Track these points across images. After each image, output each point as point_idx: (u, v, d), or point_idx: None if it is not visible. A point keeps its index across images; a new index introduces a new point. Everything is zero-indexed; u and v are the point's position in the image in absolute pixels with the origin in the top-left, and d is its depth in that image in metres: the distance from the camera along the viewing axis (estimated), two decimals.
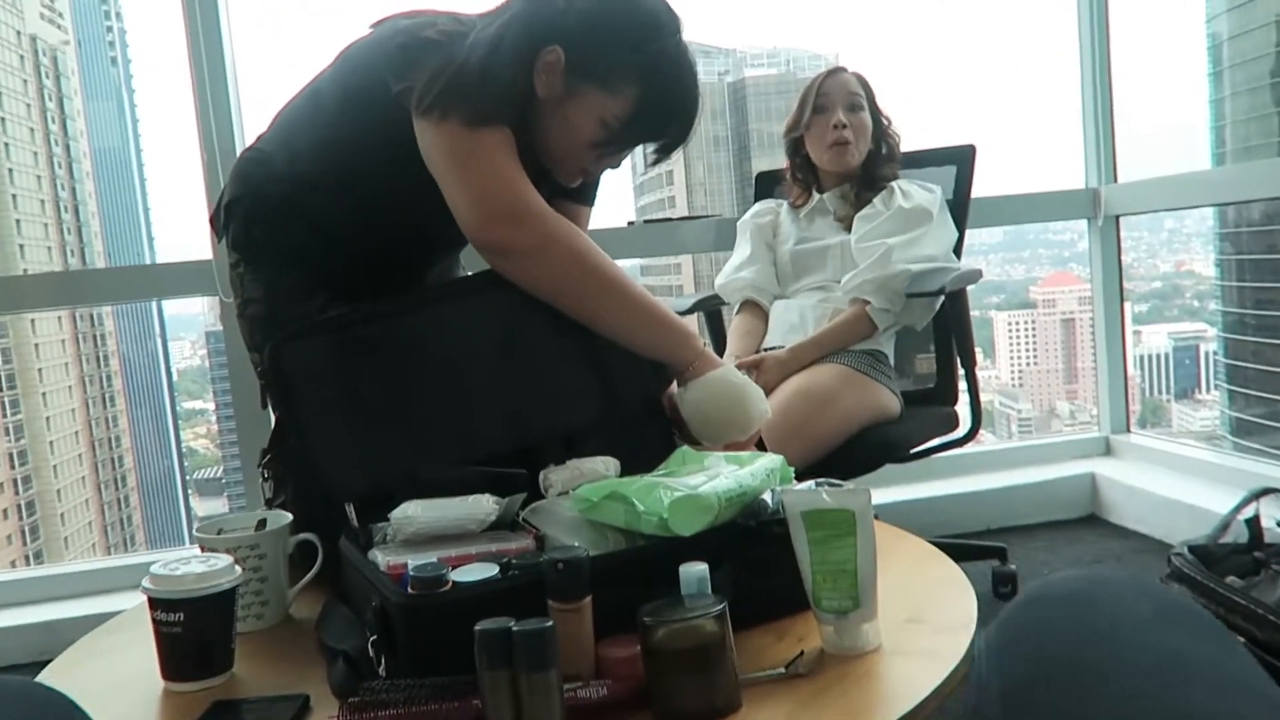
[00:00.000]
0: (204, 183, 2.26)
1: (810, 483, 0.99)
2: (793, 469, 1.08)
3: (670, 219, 2.51)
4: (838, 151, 2.00)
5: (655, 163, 1.39)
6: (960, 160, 2.12)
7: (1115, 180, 2.65)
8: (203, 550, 1.08)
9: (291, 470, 1.26)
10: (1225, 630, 0.54)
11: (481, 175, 1.22)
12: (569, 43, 1.24)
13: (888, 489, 2.42)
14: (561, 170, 1.35)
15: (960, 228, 2.04)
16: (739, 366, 1.81)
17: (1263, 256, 9.73)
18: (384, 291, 1.37)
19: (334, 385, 1.16)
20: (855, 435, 1.81)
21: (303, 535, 1.14)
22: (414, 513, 1.01)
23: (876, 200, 1.98)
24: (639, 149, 1.39)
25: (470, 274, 1.48)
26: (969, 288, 1.90)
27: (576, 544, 0.96)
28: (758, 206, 2.19)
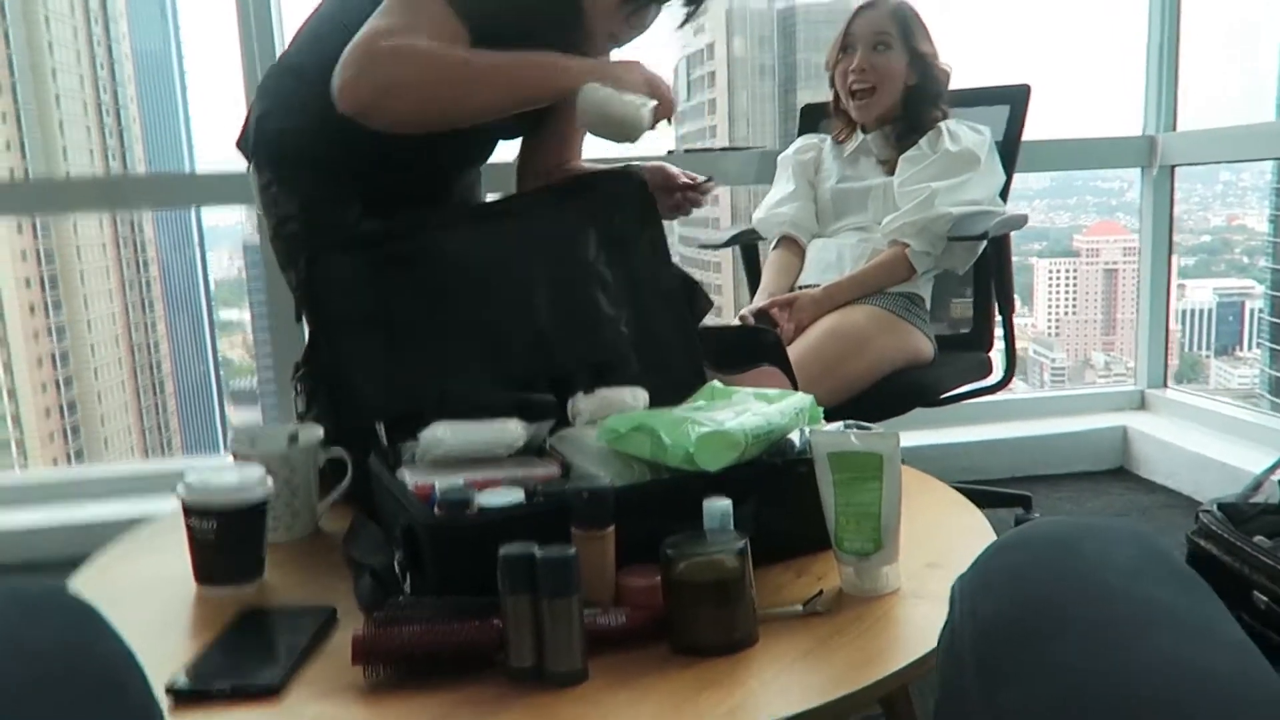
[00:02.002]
0: (244, 91, 2.24)
1: (839, 424, 0.98)
2: (822, 409, 1.07)
3: (710, 149, 2.47)
4: (857, 103, 1.94)
5: (685, 21, 1.43)
6: (1014, 100, 2.05)
7: (1174, 129, 2.56)
8: (236, 460, 1.10)
9: (324, 385, 1.27)
10: (1202, 581, 0.53)
11: (372, 28, 1.24)
12: None
13: (917, 432, 2.41)
14: (589, 35, 1.40)
15: (1009, 172, 1.99)
16: (772, 305, 1.80)
17: None
18: (417, 201, 1.41)
19: (368, 301, 1.17)
20: (886, 377, 1.80)
21: (333, 450, 1.16)
22: (443, 435, 1.02)
23: (923, 142, 1.91)
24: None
25: (507, 195, 1.48)
26: (1026, 223, 1.89)
27: (602, 473, 0.97)
28: (800, 142, 2.13)
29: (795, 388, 1.33)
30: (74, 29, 8.56)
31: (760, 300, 1.88)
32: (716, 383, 1.13)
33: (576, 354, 1.19)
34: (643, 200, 1.27)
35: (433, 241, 1.18)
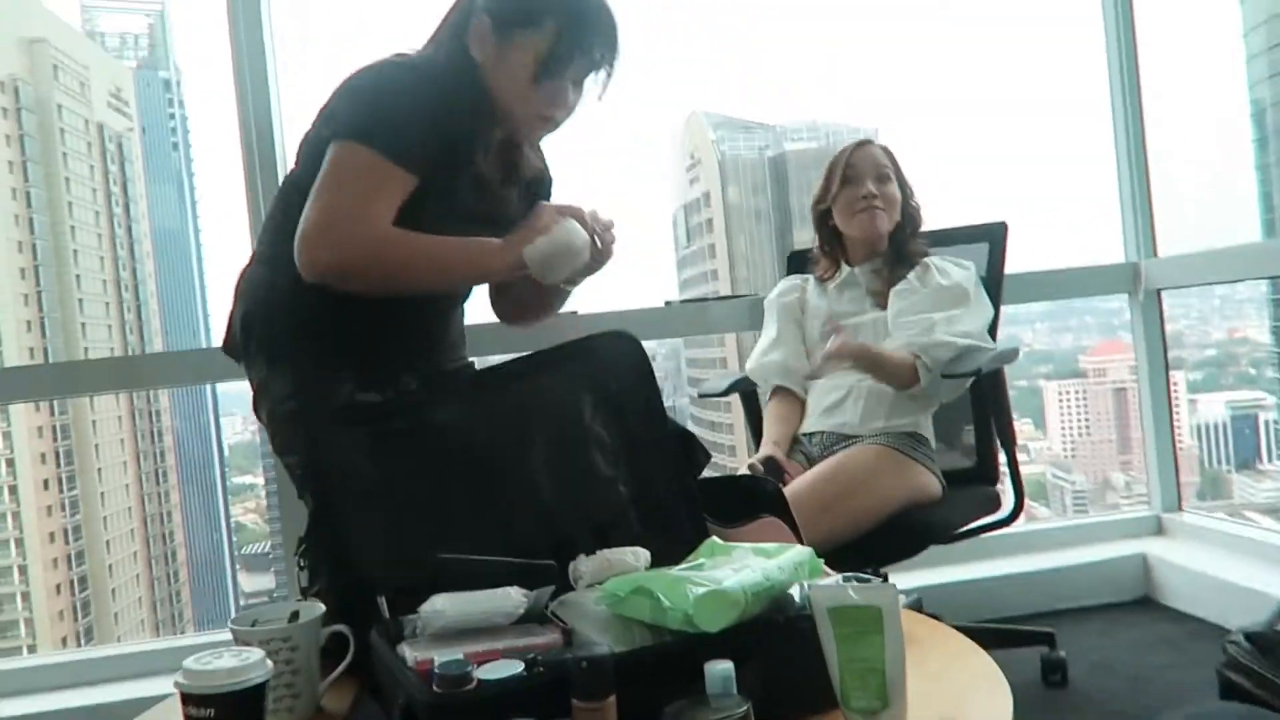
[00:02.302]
0: None
1: (837, 577, 0.98)
2: (822, 560, 1.07)
3: (704, 299, 2.53)
4: (867, 217, 1.99)
5: (602, 94, 1.50)
6: (993, 238, 2.12)
7: (1155, 254, 2.63)
8: (236, 642, 1.09)
9: (326, 559, 1.27)
10: None
11: (327, 202, 1.35)
12: (493, 13, 1.42)
13: (933, 570, 2.37)
14: (524, 125, 1.48)
15: (995, 304, 2.03)
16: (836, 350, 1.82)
17: None
18: (406, 350, 1.49)
19: (368, 477, 1.19)
20: (894, 516, 1.78)
21: (335, 627, 1.15)
22: (442, 607, 1.02)
23: (911, 276, 1.96)
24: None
25: (500, 363, 1.51)
26: (1018, 358, 1.92)
27: (603, 640, 0.96)
28: (783, 285, 2.17)
29: (798, 537, 1.33)
30: (95, 212, 8.94)
31: (766, 449, 1.89)
32: (716, 539, 1.13)
33: (576, 517, 1.20)
34: (637, 359, 1.30)
35: (430, 415, 1.21)
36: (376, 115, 1.37)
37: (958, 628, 2.19)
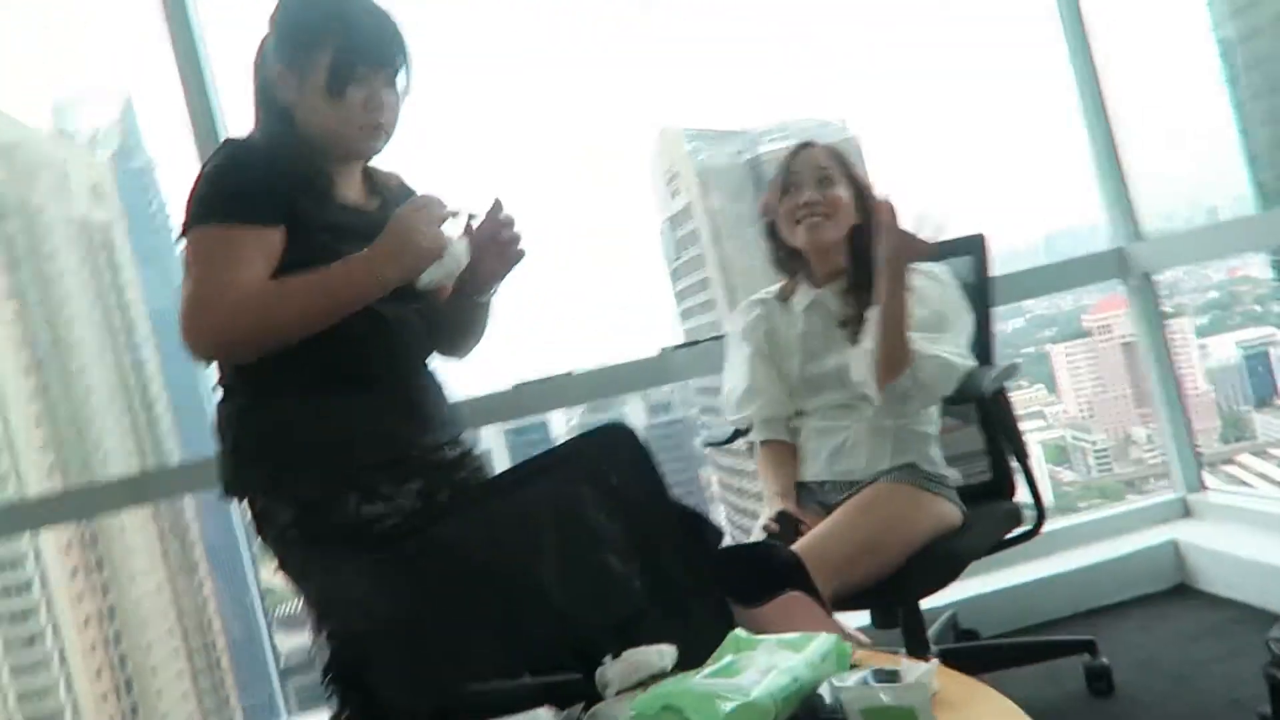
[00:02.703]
0: None
1: (866, 673, 0.96)
2: (849, 646, 1.05)
3: (695, 342, 2.52)
4: (806, 228, 1.86)
5: (408, 88, 1.50)
6: (974, 248, 2.08)
7: (1139, 236, 2.60)
8: None
9: (352, 687, 1.27)
10: None
11: (189, 288, 1.36)
12: (279, 56, 1.46)
13: (963, 582, 2.31)
14: (356, 141, 1.47)
15: (986, 309, 2.00)
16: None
17: None
18: (402, 442, 1.46)
19: (379, 605, 1.18)
20: (921, 550, 1.74)
21: None
22: None
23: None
24: None
25: (499, 473, 1.49)
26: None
27: None
28: (743, 309, 2.02)
29: (822, 603, 1.31)
30: (88, 302, 9.01)
31: (775, 504, 1.81)
32: (740, 631, 1.12)
33: (596, 619, 1.18)
34: (633, 448, 1.29)
35: (434, 535, 1.20)
36: (211, 194, 1.41)
37: (995, 643, 2.20)
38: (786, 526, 1.71)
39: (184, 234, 1.41)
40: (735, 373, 1.99)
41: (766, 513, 1.79)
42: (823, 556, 1.60)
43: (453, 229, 1.43)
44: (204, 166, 1.44)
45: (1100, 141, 2.63)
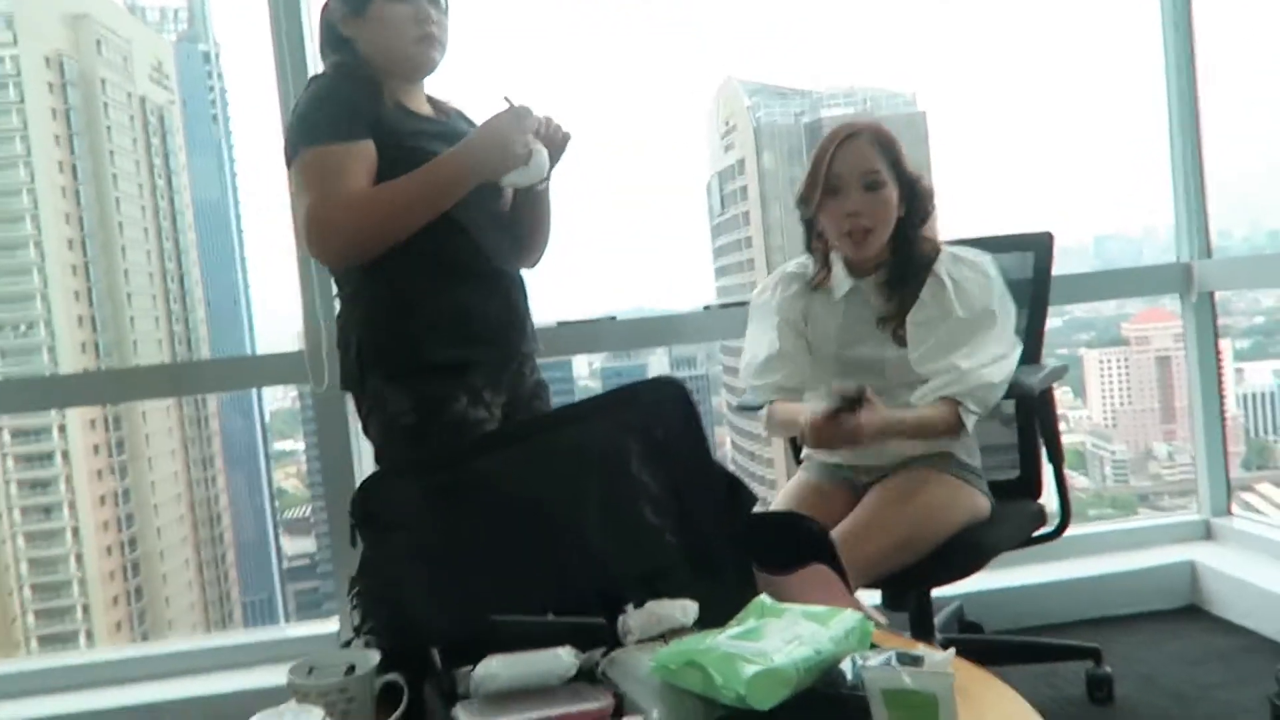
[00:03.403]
0: (299, 277, 2.36)
1: (890, 654, 0.97)
2: (872, 625, 1.07)
3: (742, 302, 2.51)
4: (852, 243, 1.79)
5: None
6: (1037, 247, 2.04)
7: (1209, 253, 2.56)
8: (293, 694, 1.12)
9: (379, 604, 1.30)
10: None
11: (309, 203, 1.54)
12: (339, 4, 1.64)
13: (974, 576, 2.35)
14: (414, 57, 1.64)
15: (1042, 314, 1.99)
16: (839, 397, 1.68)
17: None
18: (499, 353, 1.67)
19: (419, 529, 1.20)
20: (950, 538, 1.74)
21: (389, 676, 1.17)
22: (496, 669, 1.04)
23: (925, 296, 1.77)
24: None
25: (549, 412, 1.54)
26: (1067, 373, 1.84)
27: (653, 708, 0.97)
28: (777, 283, 1.95)
29: (845, 579, 1.32)
30: (139, 185, 9.09)
31: (812, 414, 1.70)
32: (765, 598, 1.13)
33: (625, 569, 1.20)
34: (683, 405, 1.30)
35: (476, 468, 1.22)
36: (308, 122, 1.58)
37: (1002, 640, 2.22)
38: (851, 399, 1.65)
39: (289, 162, 1.60)
40: (759, 340, 1.93)
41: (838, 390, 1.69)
42: (862, 550, 1.61)
43: (537, 142, 1.60)
44: (296, 102, 1.63)
45: (1186, 151, 2.56)
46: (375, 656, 1.19)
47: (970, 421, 1.75)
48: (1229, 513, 2.59)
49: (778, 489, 2.03)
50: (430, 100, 1.74)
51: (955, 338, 1.74)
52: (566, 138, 1.69)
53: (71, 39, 8.20)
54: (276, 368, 2.42)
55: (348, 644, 1.26)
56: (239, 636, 2.56)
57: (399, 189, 1.54)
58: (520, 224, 1.76)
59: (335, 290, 1.73)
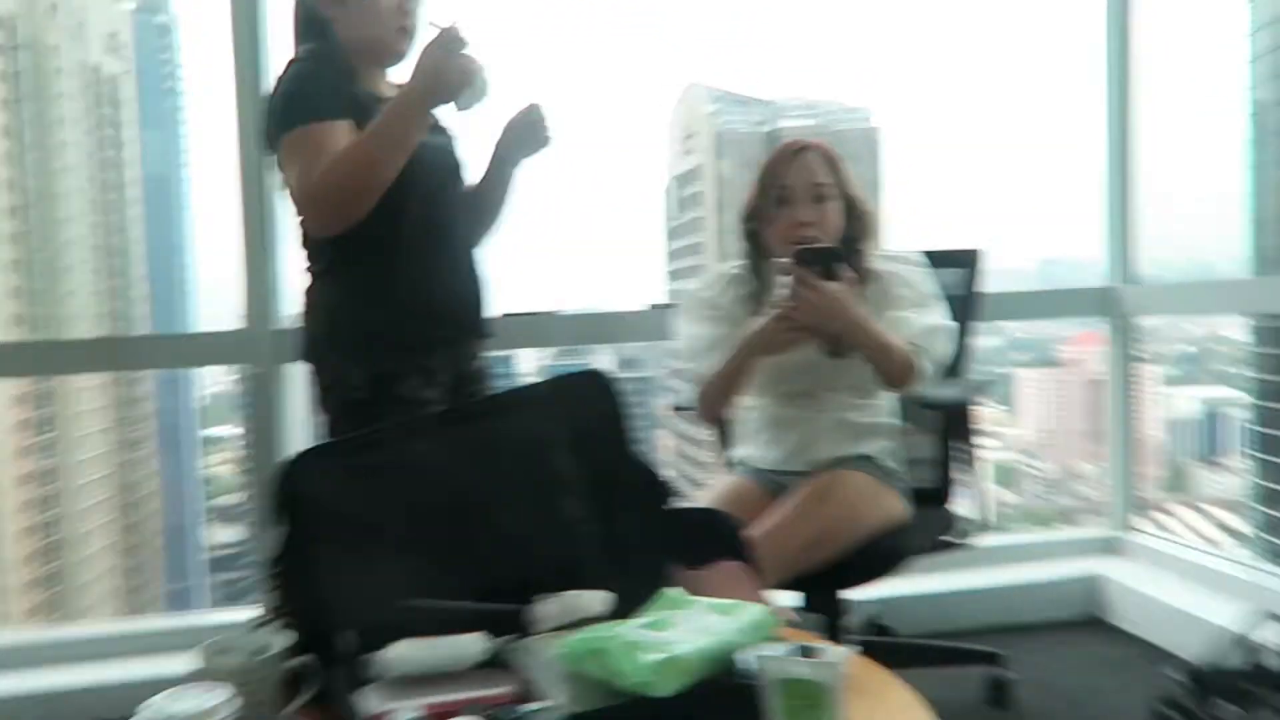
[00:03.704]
0: (244, 256, 2.34)
1: (794, 644, 1.01)
2: (776, 619, 1.11)
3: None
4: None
5: None
6: (968, 263, 2.12)
7: (1135, 279, 2.66)
8: (204, 675, 1.12)
9: (296, 584, 1.30)
10: None
11: (297, 178, 1.60)
12: None
13: (888, 581, 2.41)
14: (387, 42, 1.70)
15: (972, 325, 2.06)
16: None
17: None
18: (451, 327, 1.76)
19: (338, 510, 1.21)
20: (868, 541, 1.78)
21: (301, 659, 1.18)
22: (405, 653, 1.06)
23: (868, 294, 1.82)
24: None
25: (475, 400, 1.57)
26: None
27: (559, 694, 1.00)
28: (724, 283, 1.95)
29: (759, 577, 1.37)
30: (87, 154, 8.84)
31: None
32: (675, 590, 1.17)
33: (541, 558, 1.22)
34: (609, 398, 1.33)
35: (401, 451, 1.23)
36: (291, 102, 1.62)
37: (909, 643, 2.29)
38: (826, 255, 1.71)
39: (273, 143, 1.64)
40: (701, 327, 1.92)
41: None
42: (781, 547, 1.66)
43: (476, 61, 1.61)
44: (276, 85, 1.67)
45: (1117, 179, 2.67)
46: (286, 639, 1.21)
47: (925, 372, 1.78)
48: (1136, 529, 2.69)
49: None
50: (395, 86, 1.77)
51: (898, 311, 1.81)
52: (545, 129, 1.77)
53: (24, 1, 7.96)
54: (217, 346, 2.41)
55: (262, 626, 1.27)
56: (155, 622, 2.53)
57: (362, 142, 1.58)
58: (485, 202, 1.83)
59: (306, 266, 1.76)
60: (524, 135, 1.78)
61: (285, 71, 1.69)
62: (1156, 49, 2.77)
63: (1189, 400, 10.64)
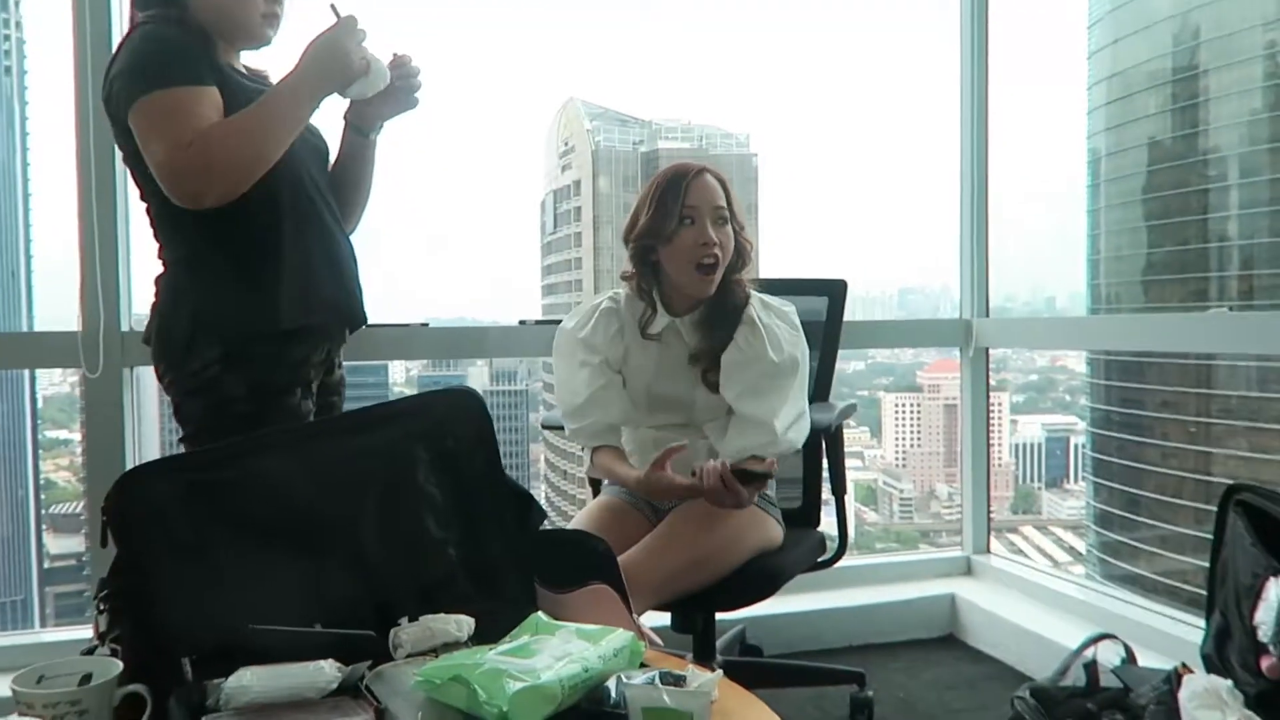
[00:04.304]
0: (80, 250, 2.17)
1: (654, 673, 1.00)
2: (643, 645, 1.09)
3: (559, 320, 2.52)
4: (704, 277, 1.83)
5: None
6: (833, 292, 2.17)
7: (988, 312, 2.79)
8: (18, 704, 1.02)
9: (130, 608, 1.20)
10: None
11: (164, 147, 1.48)
12: None
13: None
14: (253, 26, 1.62)
15: (832, 354, 2.11)
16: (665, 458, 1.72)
17: (1129, 359, 10.36)
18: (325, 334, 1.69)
19: (181, 528, 1.12)
20: (744, 563, 1.80)
21: (132, 687, 1.09)
22: (249, 681, 0.99)
23: (739, 339, 1.83)
24: None
25: (336, 415, 1.51)
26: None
27: None
28: (596, 318, 1.91)
29: (626, 601, 1.34)
30: None
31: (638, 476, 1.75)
32: (541, 615, 1.13)
33: (403, 580, 1.17)
34: (478, 417, 1.28)
35: (250, 467, 1.15)
36: (147, 65, 1.51)
37: (775, 659, 2.32)
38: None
39: (127, 108, 1.50)
40: (576, 378, 1.89)
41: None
42: (652, 571, 1.65)
43: (370, 51, 1.61)
44: (127, 47, 1.54)
45: (974, 218, 2.79)
46: (116, 665, 1.11)
47: (780, 464, 1.83)
48: (989, 551, 2.82)
49: None
50: (247, 67, 1.71)
51: (768, 384, 1.81)
52: (413, 90, 1.72)
53: None
54: (50, 348, 2.21)
55: (90, 651, 1.16)
56: None
57: (246, 116, 1.51)
58: (345, 184, 1.78)
59: (163, 252, 1.63)
60: (393, 92, 1.68)
61: (133, 33, 1.57)
62: (1012, 90, 2.94)
63: (1033, 426, 11.30)
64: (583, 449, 1.95)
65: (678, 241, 1.83)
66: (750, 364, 1.82)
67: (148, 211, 1.65)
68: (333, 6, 1.60)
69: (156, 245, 1.65)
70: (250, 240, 1.58)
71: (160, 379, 1.65)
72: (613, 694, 0.99)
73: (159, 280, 1.65)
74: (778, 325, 1.87)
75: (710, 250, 1.82)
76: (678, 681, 0.97)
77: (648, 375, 1.90)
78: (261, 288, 1.58)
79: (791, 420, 1.81)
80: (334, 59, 1.56)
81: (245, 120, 1.51)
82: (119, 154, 2.17)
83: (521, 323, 2.50)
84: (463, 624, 1.11)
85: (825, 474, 2.07)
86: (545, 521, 1.35)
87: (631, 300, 1.93)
